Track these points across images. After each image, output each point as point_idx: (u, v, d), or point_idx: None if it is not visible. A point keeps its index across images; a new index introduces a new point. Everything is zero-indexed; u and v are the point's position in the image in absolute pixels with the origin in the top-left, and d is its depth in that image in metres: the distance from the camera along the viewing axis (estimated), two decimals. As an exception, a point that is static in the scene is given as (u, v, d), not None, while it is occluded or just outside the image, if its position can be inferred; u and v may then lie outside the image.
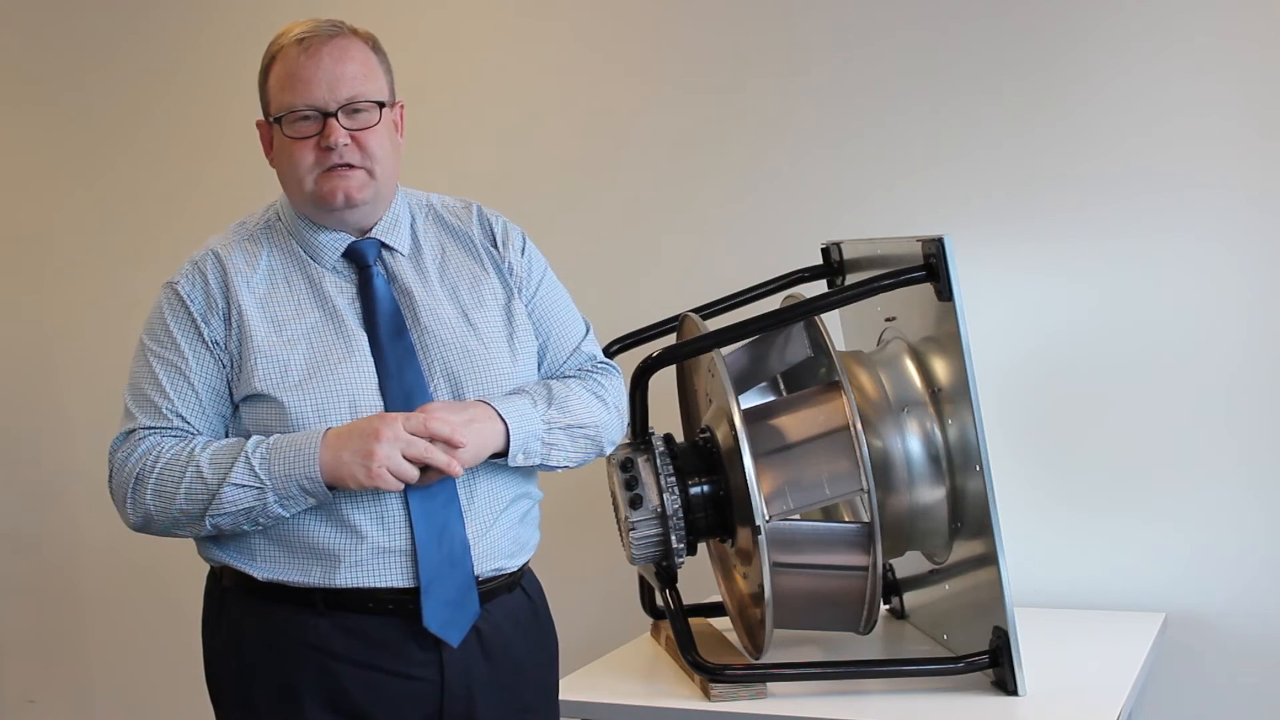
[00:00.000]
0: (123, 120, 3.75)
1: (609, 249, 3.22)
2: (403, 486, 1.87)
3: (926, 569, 2.57)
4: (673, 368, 2.65)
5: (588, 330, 2.18)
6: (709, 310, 2.77)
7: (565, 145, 3.31)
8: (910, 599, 2.73)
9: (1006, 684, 2.27)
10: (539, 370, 2.09)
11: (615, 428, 2.13)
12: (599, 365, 2.15)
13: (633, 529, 2.37)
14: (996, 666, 2.28)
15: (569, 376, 2.10)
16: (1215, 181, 2.77)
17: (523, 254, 2.11)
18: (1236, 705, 2.79)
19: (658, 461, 2.38)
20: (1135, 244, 2.82)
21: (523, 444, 1.96)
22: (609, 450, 2.15)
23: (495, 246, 2.10)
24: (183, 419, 1.94)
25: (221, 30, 3.64)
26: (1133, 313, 2.82)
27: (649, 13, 3.22)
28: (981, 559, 2.31)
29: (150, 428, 1.93)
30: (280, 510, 1.88)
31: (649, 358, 2.45)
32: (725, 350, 2.48)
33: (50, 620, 3.93)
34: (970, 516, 2.35)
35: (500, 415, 1.94)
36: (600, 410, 2.08)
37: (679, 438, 2.56)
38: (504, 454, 1.96)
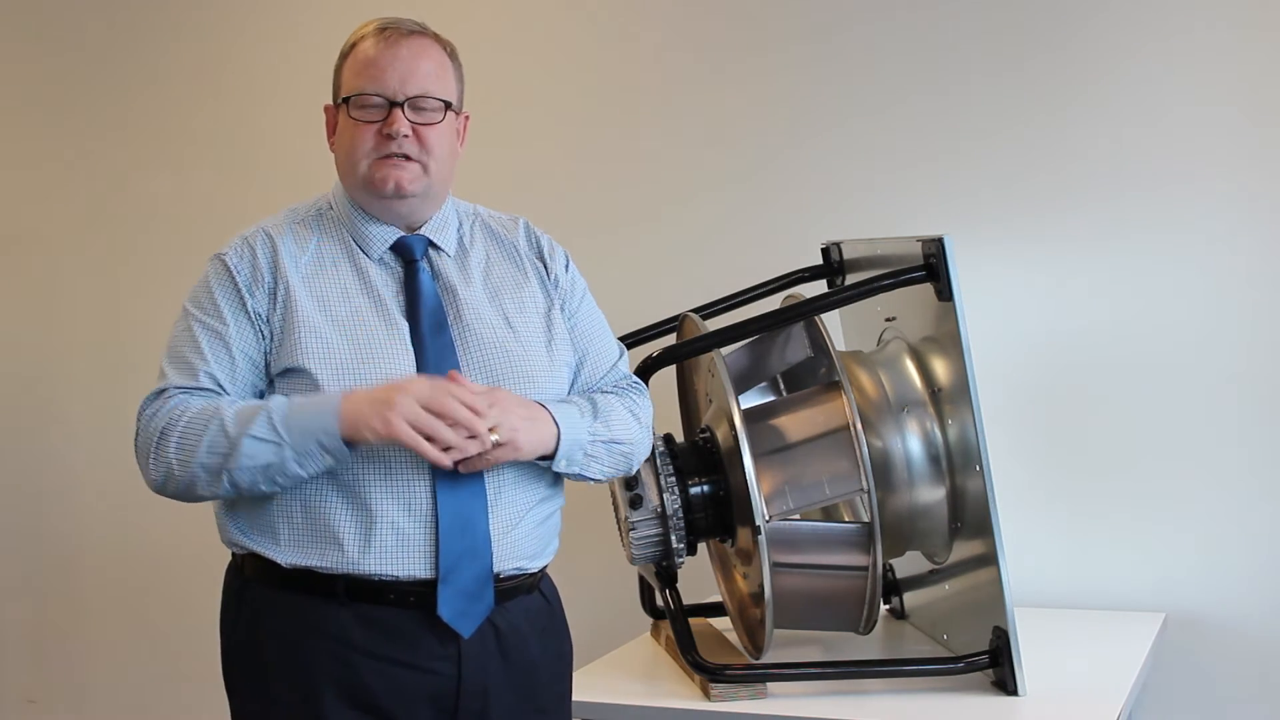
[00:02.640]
0: (124, 122, 3.75)
1: (609, 249, 3.21)
2: (423, 440, 1.84)
3: (926, 569, 2.57)
4: (673, 368, 2.65)
5: (622, 353, 2.20)
6: (709, 310, 2.77)
7: (565, 146, 3.31)
8: (910, 599, 2.73)
9: (1006, 684, 2.27)
10: (573, 387, 2.11)
11: (646, 447, 2.15)
12: (632, 384, 2.17)
13: (633, 529, 2.37)
14: (996, 666, 2.28)
15: (607, 392, 2.12)
16: (1218, 180, 2.77)
17: (566, 270, 2.15)
18: (1236, 705, 2.79)
19: (658, 461, 2.38)
20: (1135, 243, 2.82)
21: (568, 451, 1.98)
22: (636, 468, 2.16)
23: (540, 258, 2.14)
24: (215, 381, 1.95)
25: (224, 31, 3.64)
26: (1133, 312, 2.82)
27: (648, 15, 3.22)
28: (981, 559, 2.31)
29: (182, 387, 1.94)
30: (298, 469, 1.87)
31: (649, 358, 2.45)
32: (725, 350, 2.48)
33: (50, 620, 3.93)
34: (970, 516, 2.34)
35: (555, 419, 1.97)
36: (636, 429, 2.10)
37: (679, 438, 2.56)
38: (550, 457, 1.97)
